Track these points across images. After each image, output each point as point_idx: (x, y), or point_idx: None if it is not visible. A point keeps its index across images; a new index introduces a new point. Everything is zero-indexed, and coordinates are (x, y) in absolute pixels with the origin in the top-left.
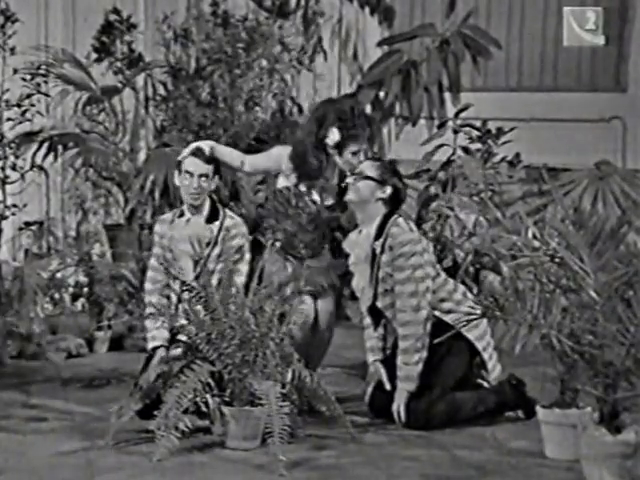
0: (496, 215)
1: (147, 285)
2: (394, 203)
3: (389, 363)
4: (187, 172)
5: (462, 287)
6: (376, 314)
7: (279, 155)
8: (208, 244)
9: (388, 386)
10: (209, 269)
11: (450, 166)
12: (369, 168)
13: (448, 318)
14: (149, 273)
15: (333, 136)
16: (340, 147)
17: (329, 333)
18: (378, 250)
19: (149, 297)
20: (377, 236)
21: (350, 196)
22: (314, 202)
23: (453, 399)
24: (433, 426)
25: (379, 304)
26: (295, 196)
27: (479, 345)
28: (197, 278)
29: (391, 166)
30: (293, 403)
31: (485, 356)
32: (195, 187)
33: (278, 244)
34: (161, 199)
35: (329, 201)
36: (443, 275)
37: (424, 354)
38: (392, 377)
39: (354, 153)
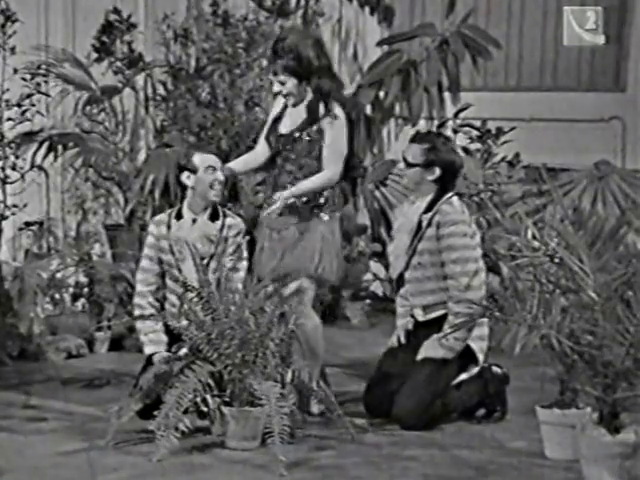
0: (496, 215)
1: (138, 287)
2: (448, 178)
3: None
4: (210, 167)
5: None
6: (402, 284)
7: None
8: (212, 242)
9: (403, 339)
10: (213, 267)
11: None
12: (414, 155)
13: None
14: (140, 275)
15: None
16: None
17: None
18: (425, 223)
19: (141, 300)
20: (427, 209)
21: (404, 182)
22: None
23: (445, 395)
24: (429, 424)
25: (407, 275)
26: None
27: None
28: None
29: (437, 143)
30: (293, 403)
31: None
32: (221, 180)
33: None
34: (161, 199)
35: None
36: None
37: (471, 333)
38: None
39: None
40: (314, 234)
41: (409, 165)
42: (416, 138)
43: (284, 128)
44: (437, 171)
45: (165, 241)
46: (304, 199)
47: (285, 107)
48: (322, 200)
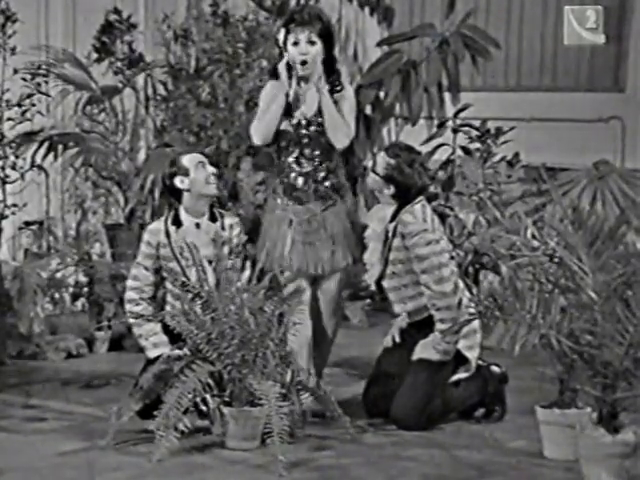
0: (495, 215)
1: (130, 294)
2: (406, 196)
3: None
4: (200, 162)
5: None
6: (382, 289)
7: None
8: (218, 243)
9: (397, 339)
10: (219, 269)
11: (449, 166)
12: (379, 165)
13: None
14: (133, 283)
15: None
16: None
17: (334, 321)
18: (390, 233)
19: (134, 307)
20: (392, 218)
21: (368, 181)
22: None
23: (445, 395)
24: (428, 424)
25: (385, 284)
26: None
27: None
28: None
29: (401, 164)
30: (293, 403)
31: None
32: (214, 172)
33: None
34: (161, 199)
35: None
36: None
37: (460, 335)
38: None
39: None
40: (342, 218)
41: (373, 171)
42: (389, 149)
43: (301, 115)
44: (392, 189)
45: (166, 249)
46: (327, 183)
47: (286, 96)
48: (342, 181)
